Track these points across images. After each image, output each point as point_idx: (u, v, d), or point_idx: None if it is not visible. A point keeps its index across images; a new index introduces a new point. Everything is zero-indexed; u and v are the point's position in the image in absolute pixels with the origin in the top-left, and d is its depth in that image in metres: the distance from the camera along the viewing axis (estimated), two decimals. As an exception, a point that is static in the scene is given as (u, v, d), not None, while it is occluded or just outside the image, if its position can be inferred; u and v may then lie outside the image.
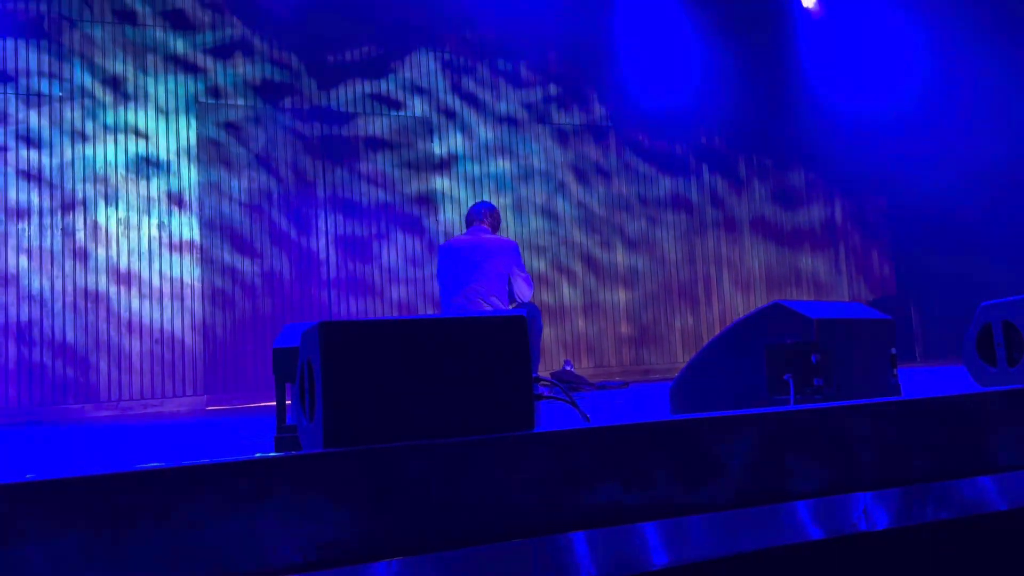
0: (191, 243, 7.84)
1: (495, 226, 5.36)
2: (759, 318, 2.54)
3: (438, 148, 8.87)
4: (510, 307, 5.23)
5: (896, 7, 9.21)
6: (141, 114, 7.86)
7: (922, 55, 9.14)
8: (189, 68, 8.06)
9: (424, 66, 8.92)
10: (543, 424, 1.74)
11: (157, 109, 7.91)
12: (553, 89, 9.40)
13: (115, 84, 7.80)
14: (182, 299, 7.74)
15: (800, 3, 9.68)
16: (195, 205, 7.90)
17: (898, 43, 9.39)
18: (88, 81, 7.71)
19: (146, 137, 7.84)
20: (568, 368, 6.24)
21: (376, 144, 8.67)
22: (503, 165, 9.11)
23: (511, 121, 9.20)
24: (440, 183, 8.83)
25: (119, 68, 7.84)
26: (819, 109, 9.81)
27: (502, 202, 8.97)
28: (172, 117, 7.95)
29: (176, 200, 7.86)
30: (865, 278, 10.47)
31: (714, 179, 9.97)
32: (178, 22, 8.11)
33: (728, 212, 9.98)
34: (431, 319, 1.66)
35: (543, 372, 6.89)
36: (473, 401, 1.62)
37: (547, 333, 8.73)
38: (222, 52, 8.19)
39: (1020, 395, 2.10)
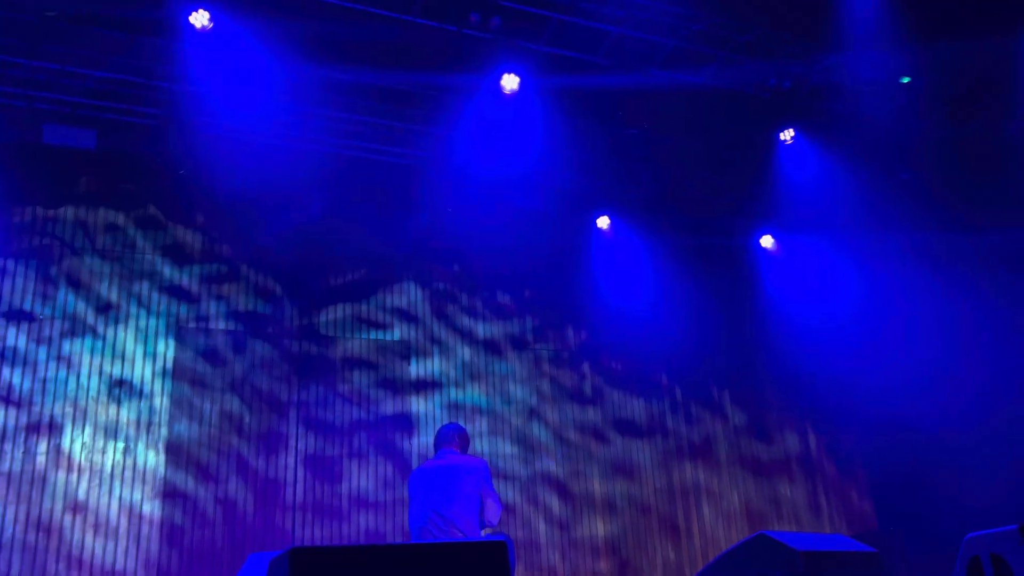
0: (154, 471, 7.59)
1: (464, 447, 5.27)
2: (745, 550, 2.47)
3: (416, 370, 8.94)
4: (482, 533, 5.02)
5: (838, 244, 9.91)
6: (121, 336, 7.92)
7: (882, 290, 9.73)
8: (175, 293, 8.25)
9: (407, 293, 9.22)
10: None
11: (138, 331, 7.99)
12: (530, 319, 9.69)
13: (100, 308, 7.93)
14: (139, 533, 7.35)
15: (760, 244, 10.34)
16: (163, 430, 7.75)
17: (846, 276, 10.06)
18: (73, 303, 7.84)
19: (123, 359, 7.85)
20: None
21: (354, 364, 8.72)
22: (480, 389, 9.15)
23: (489, 347, 9.37)
24: (417, 405, 8.80)
25: (106, 293, 8.00)
26: (785, 340, 10.14)
27: (477, 427, 8.91)
28: (152, 340, 8.02)
29: (145, 424, 7.72)
30: (845, 511, 10.27)
31: (688, 405, 10.03)
32: (173, 252, 8.41)
33: (704, 440, 9.95)
34: (407, 545, 1.60)
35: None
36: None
37: (519, 569, 8.34)
38: (209, 279, 8.45)
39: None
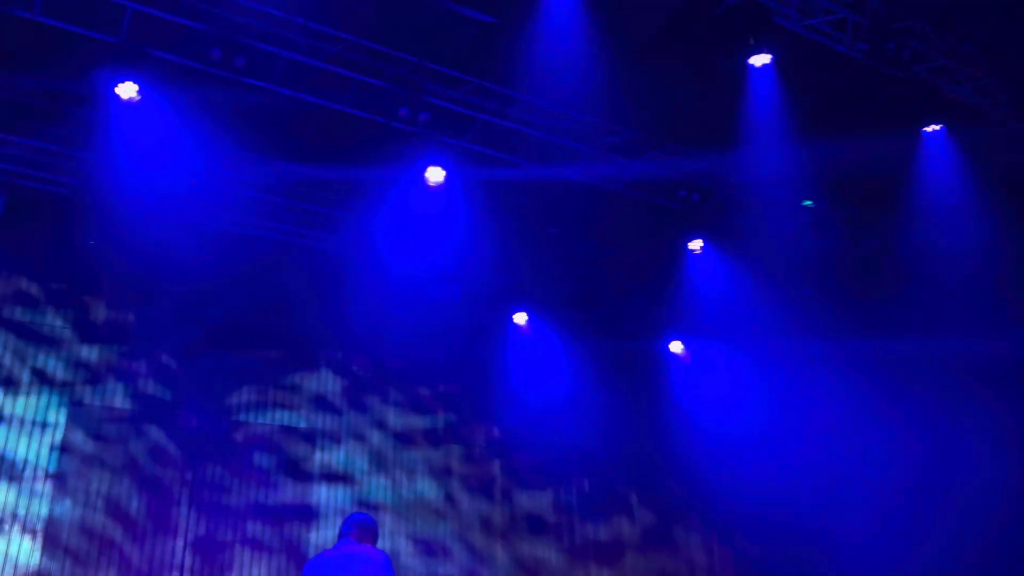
0: (28, 559, 7.08)
1: (363, 537, 5.08)
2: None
3: (322, 459, 8.69)
4: None
5: (743, 350, 10.28)
6: (8, 407, 7.50)
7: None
8: (76, 366, 7.91)
9: (319, 380, 9.06)
10: None
11: (27, 406, 7.59)
12: (444, 413, 9.61)
13: (-13, 377, 7.54)
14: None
15: (669, 349, 10.62)
16: (42, 511, 7.27)
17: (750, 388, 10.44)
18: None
19: (7, 433, 7.42)
20: None
21: (256, 448, 8.43)
22: (387, 484, 8.93)
23: (400, 439, 9.22)
24: (320, 495, 8.50)
25: (8, 362, 7.63)
26: (692, 443, 10.29)
27: (380, 523, 8.65)
28: (43, 413, 7.62)
29: (24, 505, 7.24)
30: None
31: (595, 506, 9.98)
32: (77, 325, 8.11)
33: (611, 541, 9.86)
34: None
35: None
36: None
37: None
38: (110, 354, 8.15)
39: None
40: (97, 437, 7.76)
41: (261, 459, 8.42)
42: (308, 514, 8.39)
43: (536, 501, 9.70)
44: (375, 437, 9.11)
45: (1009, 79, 7.39)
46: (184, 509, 7.84)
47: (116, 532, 7.49)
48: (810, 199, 9.27)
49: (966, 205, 8.26)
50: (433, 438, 9.43)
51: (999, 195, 8.28)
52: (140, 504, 7.69)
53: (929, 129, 7.71)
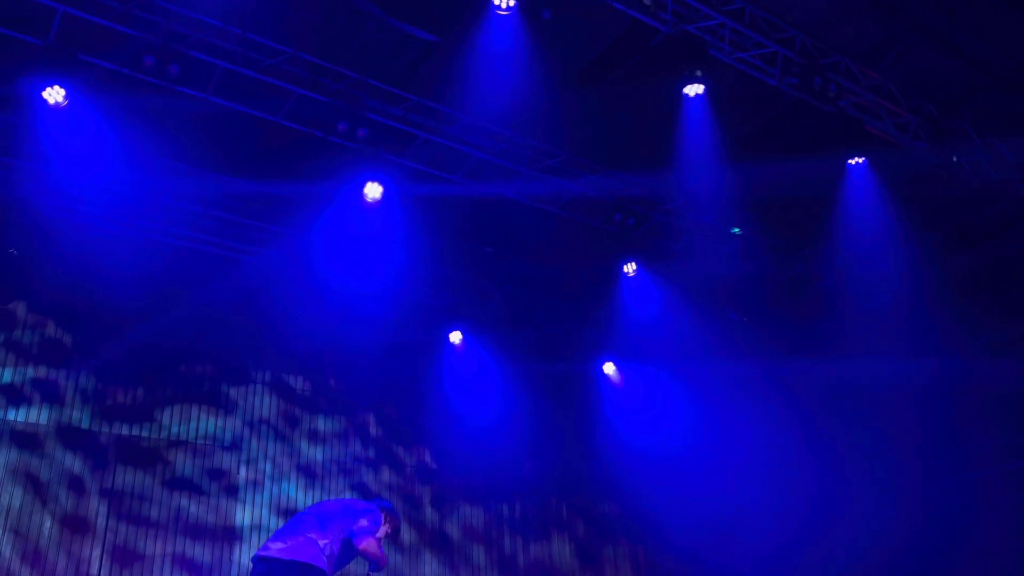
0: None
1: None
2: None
3: (246, 476, 8.48)
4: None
5: (672, 373, 10.50)
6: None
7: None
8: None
9: (249, 397, 8.85)
10: None
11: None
12: (376, 430, 9.50)
13: None
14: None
15: (602, 370, 10.74)
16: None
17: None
18: None
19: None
20: None
21: (179, 468, 8.18)
22: (312, 501, 8.77)
23: (329, 457, 9.06)
24: (242, 514, 8.29)
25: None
26: (623, 465, 10.39)
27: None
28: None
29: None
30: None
31: (526, 528, 9.97)
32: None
33: (540, 564, 9.87)
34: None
35: None
36: None
37: None
38: (31, 364, 7.83)
39: None
40: (11, 451, 7.42)
41: (185, 474, 8.17)
42: (231, 532, 8.17)
43: (465, 519, 9.64)
44: (303, 456, 8.94)
45: (926, 116, 7.76)
46: (103, 521, 7.55)
47: (29, 547, 7.16)
48: (739, 227, 9.56)
49: (886, 235, 8.64)
50: (365, 456, 9.31)
51: (917, 226, 8.70)
52: (56, 520, 7.38)
53: (852, 161, 8.05)
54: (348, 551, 4.86)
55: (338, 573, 4.94)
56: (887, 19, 7.14)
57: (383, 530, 5.05)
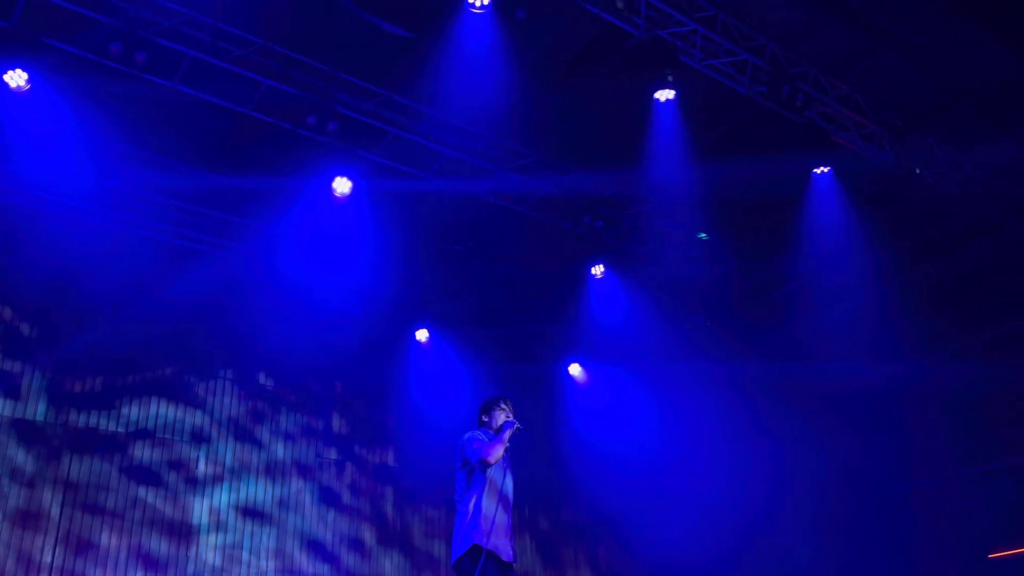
0: None
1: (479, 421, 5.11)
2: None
3: (206, 471, 8.38)
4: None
5: (637, 374, 10.57)
6: None
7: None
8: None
9: (213, 392, 8.74)
10: None
11: None
12: (340, 426, 9.44)
13: None
14: None
15: (568, 371, 10.77)
16: None
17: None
18: None
19: None
20: None
21: (140, 461, 8.06)
22: (273, 497, 8.68)
23: (292, 453, 8.99)
24: (201, 508, 8.19)
25: None
26: (588, 464, 10.43)
27: (264, 542, 8.40)
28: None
29: None
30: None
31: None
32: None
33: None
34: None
35: None
36: None
37: None
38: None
39: None
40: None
41: (143, 471, 8.05)
42: (188, 526, 8.07)
43: (430, 520, 9.61)
44: (265, 452, 8.85)
45: (892, 128, 7.88)
46: (56, 511, 7.42)
47: (-23, 546, 7.01)
48: (705, 232, 9.65)
49: (850, 244, 8.77)
50: (328, 453, 9.24)
51: (881, 236, 8.84)
52: (5, 509, 7.23)
53: (819, 170, 8.15)
54: (483, 474, 4.70)
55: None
56: (856, 32, 7.24)
57: (488, 433, 4.89)
